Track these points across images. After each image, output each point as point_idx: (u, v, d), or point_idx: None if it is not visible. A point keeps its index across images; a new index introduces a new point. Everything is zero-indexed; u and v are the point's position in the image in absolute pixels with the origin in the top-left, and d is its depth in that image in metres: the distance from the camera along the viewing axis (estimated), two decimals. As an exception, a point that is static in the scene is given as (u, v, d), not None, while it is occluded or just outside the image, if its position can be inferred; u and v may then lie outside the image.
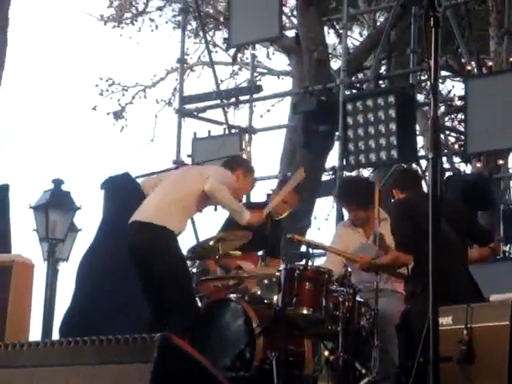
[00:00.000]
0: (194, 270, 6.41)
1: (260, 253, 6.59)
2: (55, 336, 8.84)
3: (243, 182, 6.08)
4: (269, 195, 7.45)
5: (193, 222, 10.04)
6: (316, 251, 7.34)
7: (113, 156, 20.42)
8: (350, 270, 5.60)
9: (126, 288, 6.63)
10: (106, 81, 15.43)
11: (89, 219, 10.07)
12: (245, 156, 10.04)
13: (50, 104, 25.07)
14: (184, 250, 6.04)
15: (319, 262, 6.38)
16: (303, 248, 6.92)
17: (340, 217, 8.58)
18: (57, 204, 10.10)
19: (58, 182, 10.23)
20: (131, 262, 5.81)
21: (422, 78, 10.95)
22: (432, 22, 3.54)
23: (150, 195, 5.96)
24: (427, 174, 8.35)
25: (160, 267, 5.63)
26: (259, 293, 5.82)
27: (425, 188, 6.11)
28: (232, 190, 5.85)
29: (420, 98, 11.76)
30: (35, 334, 9.65)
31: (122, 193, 6.39)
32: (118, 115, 15.36)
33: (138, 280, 5.80)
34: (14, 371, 3.75)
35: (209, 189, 5.74)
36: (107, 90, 15.40)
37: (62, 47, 24.84)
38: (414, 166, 9.71)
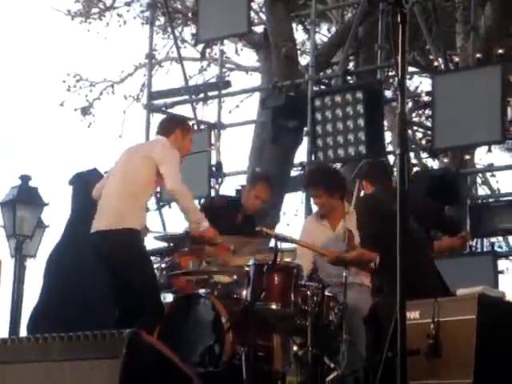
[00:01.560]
0: (163, 266, 6.41)
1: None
2: (23, 333, 8.78)
3: (182, 142, 5.96)
4: (238, 190, 7.47)
5: (161, 215, 10.03)
6: (286, 246, 7.36)
7: (81, 152, 20.29)
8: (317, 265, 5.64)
9: (94, 284, 6.61)
10: (74, 76, 15.32)
11: (57, 215, 10.01)
12: (214, 151, 10.05)
13: (16, 100, 24.86)
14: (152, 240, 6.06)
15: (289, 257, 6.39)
16: (272, 243, 6.94)
17: (309, 212, 8.60)
18: (24, 200, 10.02)
19: (25, 178, 10.16)
20: (99, 266, 5.80)
21: (390, 73, 11.01)
22: (399, 18, 3.55)
23: (102, 197, 5.88)
24: (395, 169, 8.40)
25: (128, 270, 5.61)
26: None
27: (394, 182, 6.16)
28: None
29: (388, 93, 11.82)
30: (3, 330, 9.59)
31: (90, 189, 6.35)
32: (85, 111, 15.26)
33: (105, 277, 5.79)
34: (-18, 368, 3.72)
35: (171, 191, 5.70)
36: (75, 86, 15.29)
37: (28, 42, 24.64)
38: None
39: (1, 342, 3.79)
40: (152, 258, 6.28)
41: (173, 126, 6.00)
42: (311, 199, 6.77)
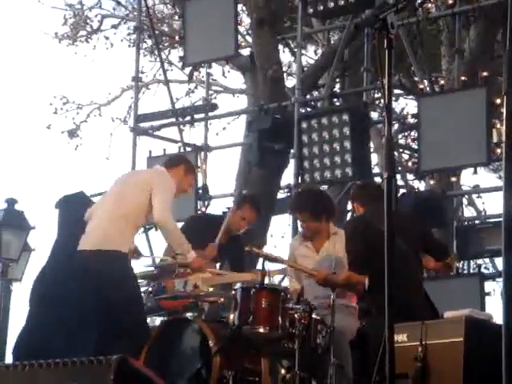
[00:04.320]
0: (150, 289, 6.39)
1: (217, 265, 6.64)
2: (8, 359, 8.71)
3: (182, 179, 6.05)
4: (225, 213, 7.48)
5: (147, 238, 10.00)
6: (273, 267, 7.36)
7: (67, 175, 20.24)
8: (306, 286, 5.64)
9: (81, 309, 6.57)
10: (61, 99, 15.34)
11: (43, 239, 9.97)
12: (200, 174, 10.05)
13: (3, 122, 24.83)
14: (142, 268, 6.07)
15: (278, 280, 6.41)
16: (259, 264, 6.94)
17: (295, 234, 8.60)
18: (10, 223, 9.98)
19: (11, 202, 10.12)
20: (84, 287, 5.79)
21: (376, 95, 11.05)
22: (385, 43, 3.56)
23: (93, 218, 5.91)
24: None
25: (114, 292, 5.61)
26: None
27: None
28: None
29: (374, 115, 11.88)
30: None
31: (77, 212, 6.34)
32: (72, 133, 15.27)
33: (89, 300, 5.79)
34: (-33, 395, 3.69)
35: (157, 221, 5.74)
36: (62, 109, 15.31)
37: (15, 65, 24.62)
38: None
39: (-13, 369, 3.75)
40: (139, 281, 6.26)
41: (178, 162, 6.15)
42: (298, 221, 6.78)
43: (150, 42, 14.33)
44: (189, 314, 5.78)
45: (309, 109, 9.83)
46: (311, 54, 15.04)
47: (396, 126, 12.74)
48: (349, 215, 10.65)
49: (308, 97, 10.52)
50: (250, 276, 5.83)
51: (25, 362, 3.58)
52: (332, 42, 13.05)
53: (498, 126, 8.85)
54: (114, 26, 15.44)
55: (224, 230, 6.38)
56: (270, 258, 5.85)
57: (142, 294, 6.17)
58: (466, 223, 9.85)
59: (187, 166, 6.17)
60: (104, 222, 5.78)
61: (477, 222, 10.07)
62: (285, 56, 13.93)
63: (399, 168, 11.09)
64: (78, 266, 5.79)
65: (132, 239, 5.90)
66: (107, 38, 15.40)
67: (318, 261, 6.03)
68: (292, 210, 6.54)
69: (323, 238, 6.13)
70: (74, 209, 7.05)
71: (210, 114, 10.54)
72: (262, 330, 5.34)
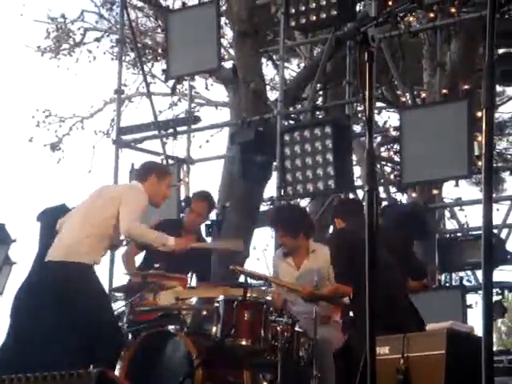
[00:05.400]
0: (131, 301, 6.36)
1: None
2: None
3: (159, 186, 6.00)
4: (207, 225, 7.48)
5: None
6: (255, 282, 7.37)
7: (49, 188, 20.16)
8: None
9: (62, 322, 6.54)
10: (43, 112, 15.29)
11: (24, 252, 9.92)
12: (183, 186, 10.04)
13: (-16, 135, 24.72)
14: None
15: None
16: (242, 278, 6.93)
17: (278, 247, 8.61)
18: (-9, 236, 9.90)
19: (-8, 215, 10.07)
20: (50, 298, 5.77)
21: (358, 108, 11.10)
22: (366, 57, 3.58)
23: (61, 230, 5.90)
24: (364, 204, 8.44)
25: (78, 304, 5.57)
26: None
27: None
28: (151, 200, 5.87)
29: (356, 128, 11.92)
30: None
31: (58, 225, 6.34)
32: (54, 147, 15.22)
33: (57, 312, 5.77)
34: None
35: (124, 233, 5.73)
36: (44, 122, 15.26)
37: (-3, 77, 24.54)
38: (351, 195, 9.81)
39: (-34, 383, 3.72)
40: (119, 294, 6.24)
41: (148, 172, 6.04)
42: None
43: (132, 55, 14.32)
44: (171, 327, 5.76)
45: (291, 121, 9.84)
46: (294, 68, 15.09)
47: (378, 139, 12.79)
48: (331, 228, 10.66)
49: (291, 109, 10.55)
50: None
51: (3, 376, 3.56)
52: (315, 54, 13.10)
53: (480, 138, 8.90)
54: (97, 39, 15.43)
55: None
56: (253, 276, 5.85)
57: (123, 308, 6.14)
58: (448, 236, 9.89)
59: (158, 171, 6.08)
60: (70, 234, 5.77)
61: (459, 234, 10.12)
62: (268, 69, 13.97)
63: (381, 181, 11.11)
64: (44, 277, 5.78)
65: (100, 252, 5.83)
66: (90, 51, 15.38)
67: (298, 277, 6.04)
68: (270, 224, 6.58)
69: (303, 254, 6.14)
70: (55, 222, 7.03)
71: (193, 126, 10.55)
72: (244, 343, 5.34)
